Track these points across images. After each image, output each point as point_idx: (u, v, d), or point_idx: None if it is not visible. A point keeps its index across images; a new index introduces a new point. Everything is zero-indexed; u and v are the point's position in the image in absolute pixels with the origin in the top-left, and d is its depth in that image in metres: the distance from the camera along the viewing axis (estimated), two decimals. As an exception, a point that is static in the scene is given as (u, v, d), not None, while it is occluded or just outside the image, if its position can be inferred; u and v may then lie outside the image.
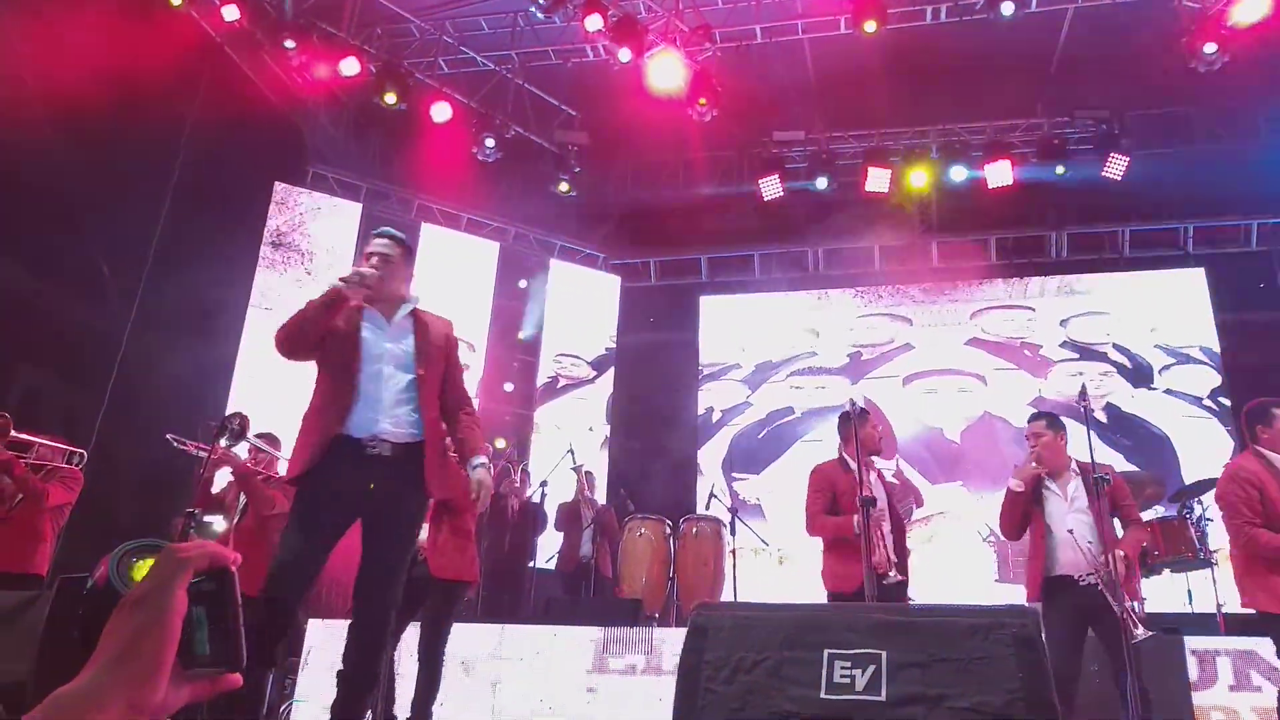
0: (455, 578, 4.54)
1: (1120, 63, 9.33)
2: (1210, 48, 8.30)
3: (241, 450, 5.20)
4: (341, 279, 3.27)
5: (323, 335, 3.26)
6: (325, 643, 6.00)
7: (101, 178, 7.34)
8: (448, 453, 3.49)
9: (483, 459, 3.39)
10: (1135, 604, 4.38)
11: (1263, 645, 5.07)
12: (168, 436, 5.24)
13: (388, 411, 3.21)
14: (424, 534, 4.99)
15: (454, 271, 10.41)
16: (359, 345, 3.28)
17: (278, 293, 9.55)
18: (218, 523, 5.43)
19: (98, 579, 0.90)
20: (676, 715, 2.27)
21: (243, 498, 5.30)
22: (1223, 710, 5.32)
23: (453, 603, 4.61)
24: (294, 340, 3.26)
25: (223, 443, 4.85)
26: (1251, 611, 4.32)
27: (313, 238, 10.01)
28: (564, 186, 10.68)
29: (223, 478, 5.41)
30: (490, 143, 10.03)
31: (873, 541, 4.44)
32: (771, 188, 10.46)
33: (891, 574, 4.65)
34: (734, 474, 10.87)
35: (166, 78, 7.75)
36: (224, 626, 0.84)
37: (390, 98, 9.37)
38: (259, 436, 5.20)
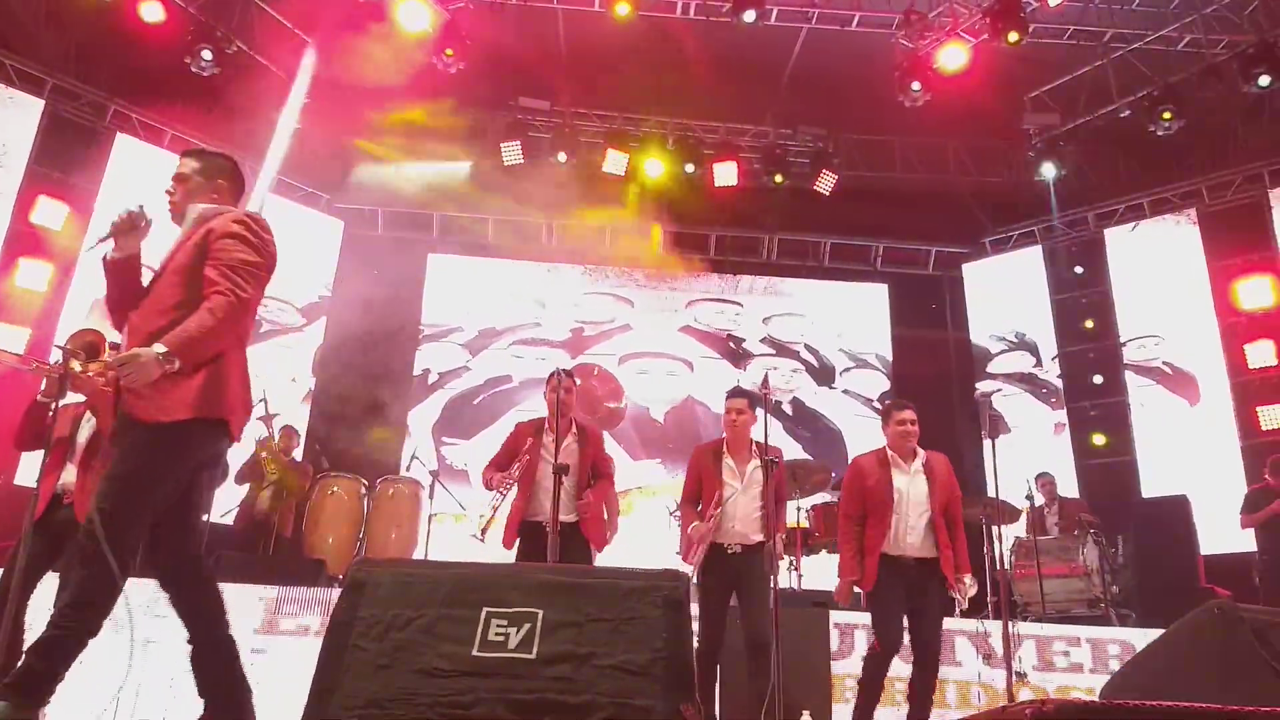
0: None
1: (842, 86, 10.16)
2: (916, 85, 9.25)
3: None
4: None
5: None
6: None
7: None
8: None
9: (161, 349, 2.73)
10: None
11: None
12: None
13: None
14: (71, 476, 4.47)
15: (151, 193, 9.34)
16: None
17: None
18: None
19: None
20: (319, 672, 2.17)
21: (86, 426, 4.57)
22: (854, 676, 5.97)
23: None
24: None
25: (75, 366, 4.16)
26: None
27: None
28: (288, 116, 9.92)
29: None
30: (208, 55, 9.06)
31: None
32: (513, 153, 10.38)
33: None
34: (444, 438, 10.71)
35: None
36: None
37: (91, -15, 8.23)
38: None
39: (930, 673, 4.58)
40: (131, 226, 2.95)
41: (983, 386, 11.05)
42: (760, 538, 4.77)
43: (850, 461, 5.07)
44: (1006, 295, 11.29)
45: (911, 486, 4.71)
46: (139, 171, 9.31)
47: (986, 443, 9.96)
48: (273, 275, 3.10)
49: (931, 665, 4.58)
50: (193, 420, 2.77)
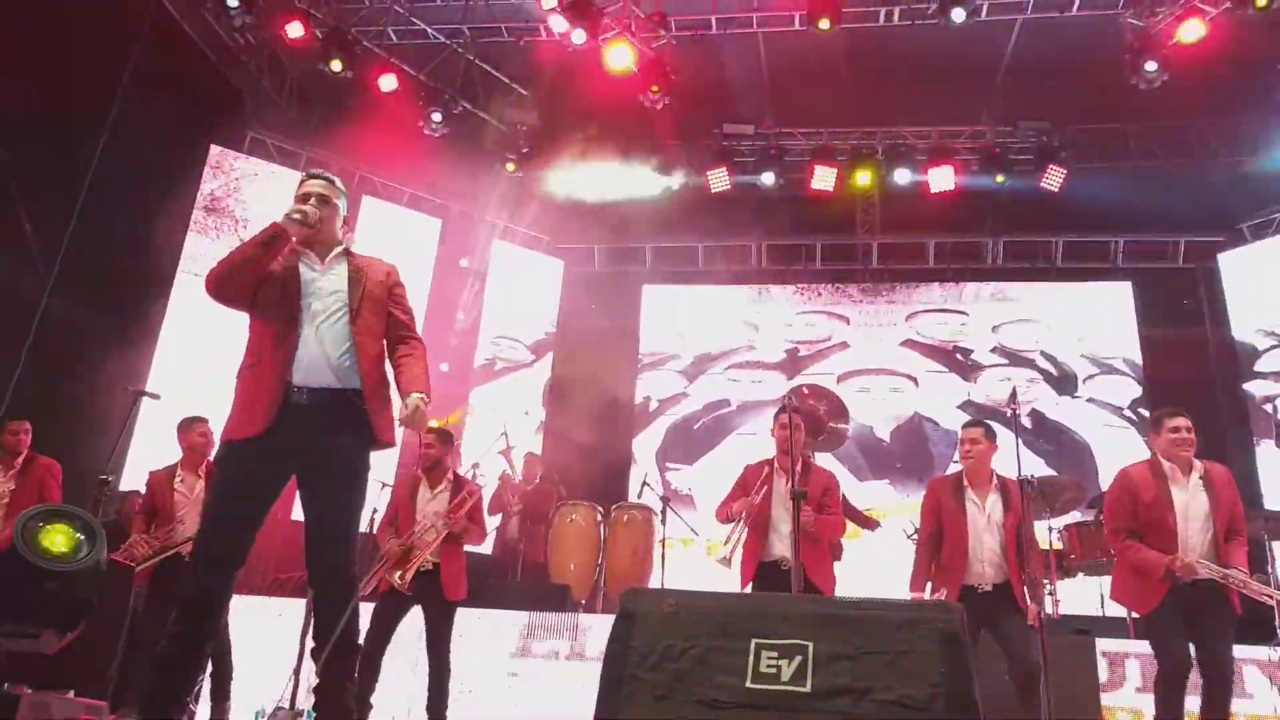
0: (455, 598, 5.06)
1: (1064, 76, 9.53)
2: (1151, 65, 8.52)
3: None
4: (285, 217, 3.09)
5: (259, 279, 3.07)
6: (234, 620, 5.85)
7: (28, 131, 7.01)
8: (388, 398, 3.21)
9: (420, 394, 3.14)
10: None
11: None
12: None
13: (330, 357, 3.04)
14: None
15: (393, 247, 10.12)
16: (299, 288, 3.08)
17: (209, 259, 9.21)
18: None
19: (3, 545, 0.84)
20: (601, 701, 2.24)
21: None
22: (1128, 711, 5.50)
23: (452, 620, 5.07)
24: (228, 280, 3.06)
25: None
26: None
27: (248, 204, 9.70)
28: (511, 166, 10.54)
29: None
30: (437, 117, 9.84)
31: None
32: (720, 180, 10.47)
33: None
34: (668, 463, 10.89)
35: (99, 30, 7.43)
36: None
37: (336, 65, 9.12)
38: None
39: (1219, 700, 4.11)
40: (308, 226, 3.14)
41: (1252, 388, 9.94)
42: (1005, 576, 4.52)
43: (1118, 474, 4.63)
44: (1272, 285, 10.10)
45: (1192, 501, 4.28)
46: (381, 230, 10.19)
47: (1266, 449, 8.96)
48: None
49: (1220, 691, 4.11)
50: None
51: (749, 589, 4.90)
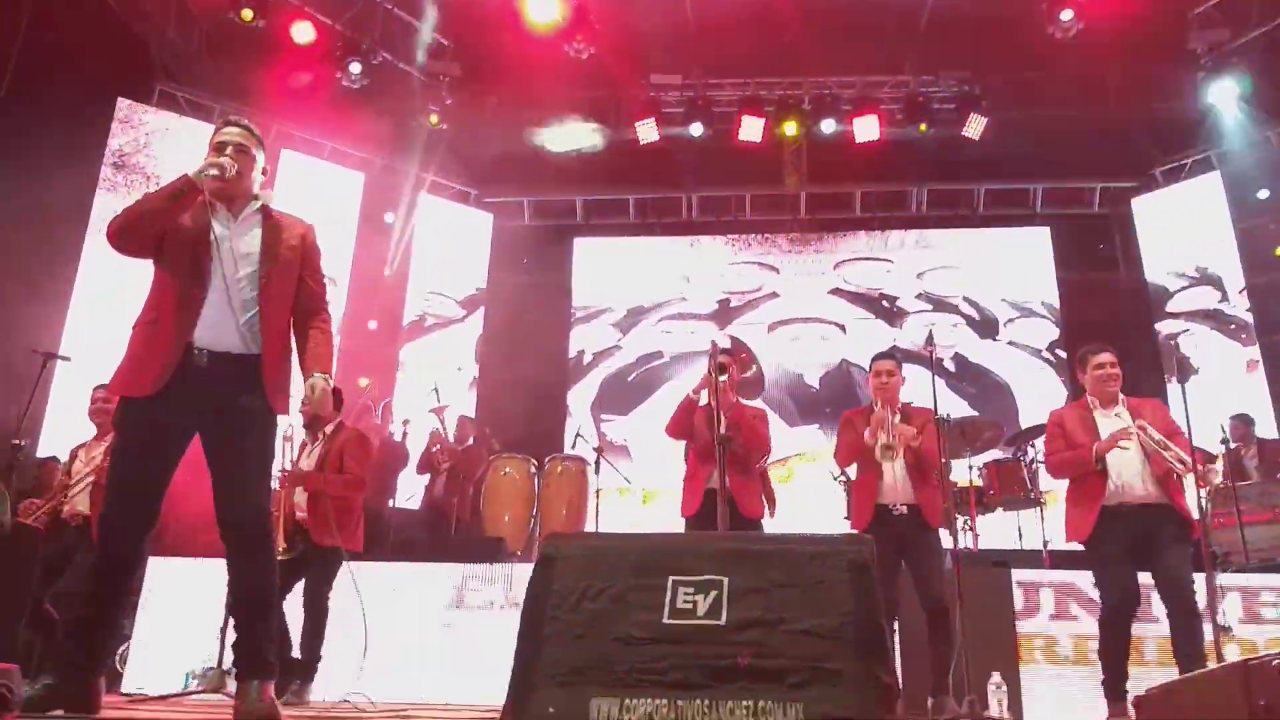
0: (334, 545, 4.79)
1: (984, 25, 9.64)
2: (1067, 14, 8.70)
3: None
4: (199, 172, 2.95)
5: (165, 231, 2.95)
6: (164, 583, 5.78)
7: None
8: (289, 370, 3.13)
9: (324, 375, 3.09)
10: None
11: (1082, 578, 5.48)
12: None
13: (236, 322, 2.94)
14: (302, 499, 4.97)
15: (316, 203, 9.90)
16: (209, 246, 2.95)
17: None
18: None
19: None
20: (520, 642, 2.28)
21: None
22: (1042, 637, 5.76)
23: (331, 567, 4.91)
24: (131, 232, 2.92)
25: None
26: (1074, 547, 4.70)
27: (159, 159, 9.33)
28: (434, 119, 10.32)
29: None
30: (356, 68, 9.56)
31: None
32: (648, 131, 10.41)
33: None
34: (602, 415, 10.95)
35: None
36: None
37: (247, 14, 8.80)
38: None
39: (1185, 625, 4.09)
40: (224, 179, 3.01)
41: (1163, 327, 10.34)
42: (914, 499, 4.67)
43: (1049, 415, 4.80)
44: (1183, 228, 10.47)
45: (1118, 430, 4.43)
46: (302, 185, 9.92)
47: (1175, 387, 9.36)
48: None
49: (1185, 614, 4.10)
50: None
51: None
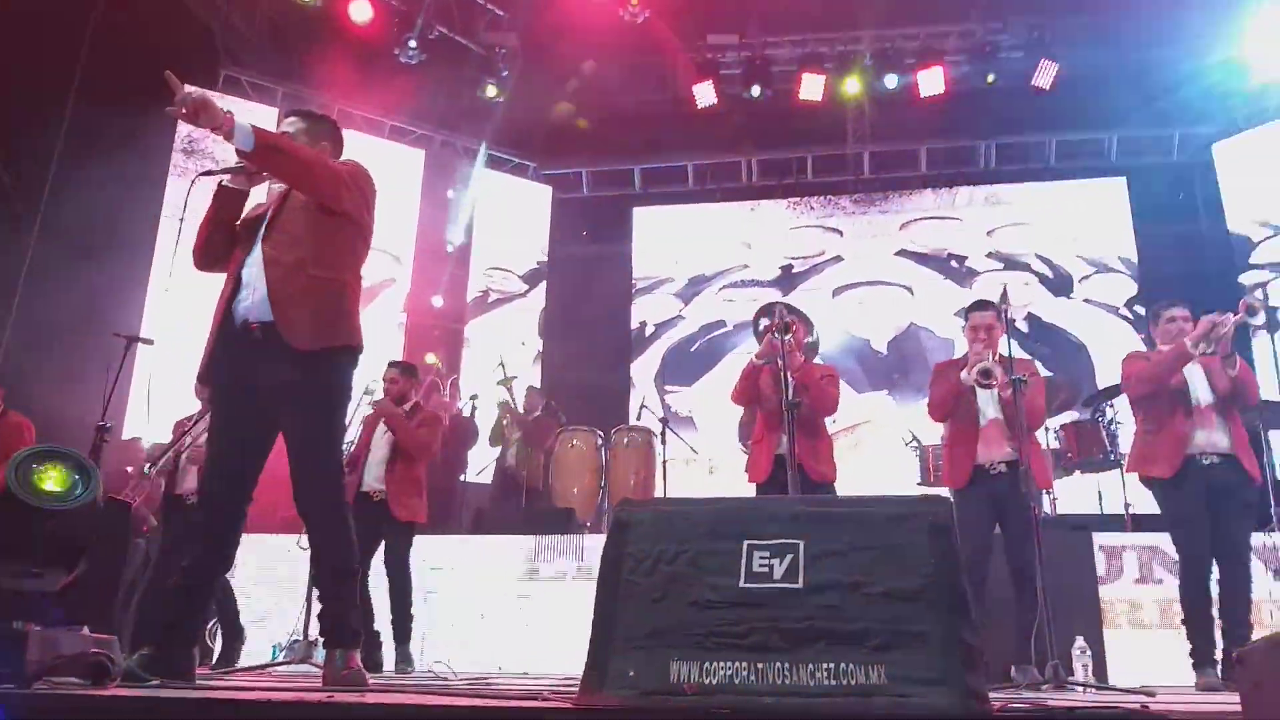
0: (410, 519, 5.25)
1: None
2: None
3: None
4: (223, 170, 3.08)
5: (230, 240, 3.07)
6: (262, 557, 5.96)
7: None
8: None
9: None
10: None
11: (1164, 540, 5.31)
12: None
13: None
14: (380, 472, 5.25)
15: (377, 182, 10.00)
16: (258, 230, 3.08)
17: (192, 201, 9.10)
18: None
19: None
20: (598, 607, 2.27)
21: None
22: (1126, 601, 5.60)
23: (409, 538, 5.30)
24: (200, 257, 3.15)
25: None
26: (1157, 511, 4.55)
27: (226, 144, 9.50)
28: (491, 91, 10.33)
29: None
30: (413, 44, 9.61)
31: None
32: (706, 95, 10.27)
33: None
34: (666, 386, 10.93)
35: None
36: None
37: (305, -5, 8.89)
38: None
39: (1238, 582, 4.16)
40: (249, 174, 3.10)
41: (1247, 279, 9.89)
42: (1016, 456, 4.46)
43: (1124, 360, 4.66)
44: (1267, 174, 9.97)
45: (1199, 384, 4.29)
46: (364, 163, 10.00)
47: (1259, 338, 8.98)
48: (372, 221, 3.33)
49: (1238, 574, 4.16)
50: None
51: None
